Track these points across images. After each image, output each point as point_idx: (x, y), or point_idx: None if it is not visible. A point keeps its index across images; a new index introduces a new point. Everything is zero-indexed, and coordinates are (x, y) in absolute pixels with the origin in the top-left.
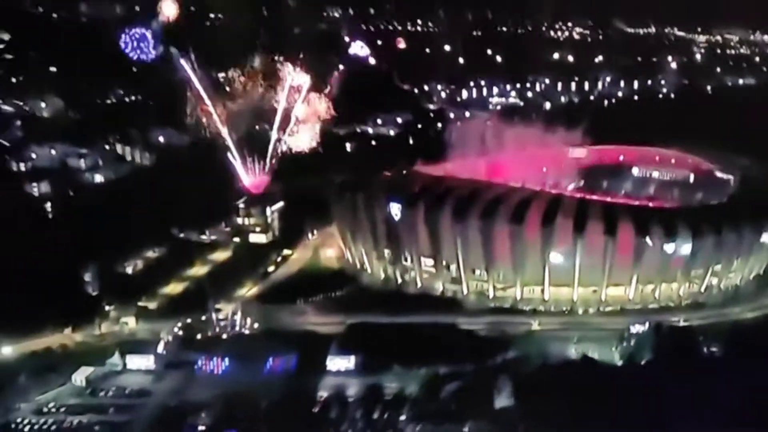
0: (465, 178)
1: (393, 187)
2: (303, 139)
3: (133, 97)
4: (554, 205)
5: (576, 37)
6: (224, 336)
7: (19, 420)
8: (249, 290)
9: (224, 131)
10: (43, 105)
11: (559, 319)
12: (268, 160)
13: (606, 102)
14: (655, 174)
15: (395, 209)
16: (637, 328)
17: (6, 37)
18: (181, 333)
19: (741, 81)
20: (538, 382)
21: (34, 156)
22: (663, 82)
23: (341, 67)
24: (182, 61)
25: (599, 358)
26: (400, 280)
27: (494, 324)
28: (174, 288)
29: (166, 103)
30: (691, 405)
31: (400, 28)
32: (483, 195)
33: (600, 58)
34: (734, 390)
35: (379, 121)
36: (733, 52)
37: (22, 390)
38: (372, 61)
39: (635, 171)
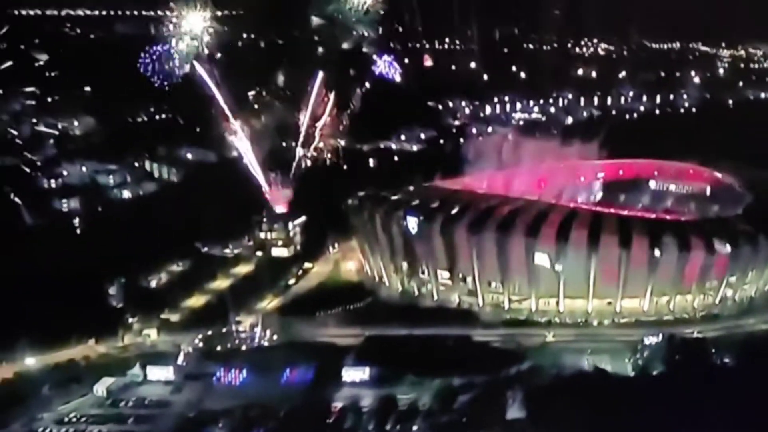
0: (481, 192)
1: (409, 201)
2: (326, 155)
3: (161, 115)
4: (569, 218)
5: (601, 52)
6: (243, 348)
7: (40, 430)
8: (269, 303)
9: (248, 148)
10: (75, 123)
11: (573, 330)
12: (291, 175)
13: (627, 116)
14: (672, 187)
15: (412, 223)
16: (650, 340)
17: (43, 56)
18: (201, 345)
19: (763, 95)
20: (551, 393)
21: (65, 173)
22: (685, 96)
23: (365, 84)
24: (207, 79)
25: (612, 370)
26: (417, 293)
27: (509, 336)
28: (196, 301)
29: (192, 121)
30: (706, 417)
31: (427, 45)
32: (498, 208)
33: (623, 73)
34: (749, 402)
35: (402, 136)
36: (757, 66)
37: (46, 400)
38: (396, 77)
39: (652, 184)
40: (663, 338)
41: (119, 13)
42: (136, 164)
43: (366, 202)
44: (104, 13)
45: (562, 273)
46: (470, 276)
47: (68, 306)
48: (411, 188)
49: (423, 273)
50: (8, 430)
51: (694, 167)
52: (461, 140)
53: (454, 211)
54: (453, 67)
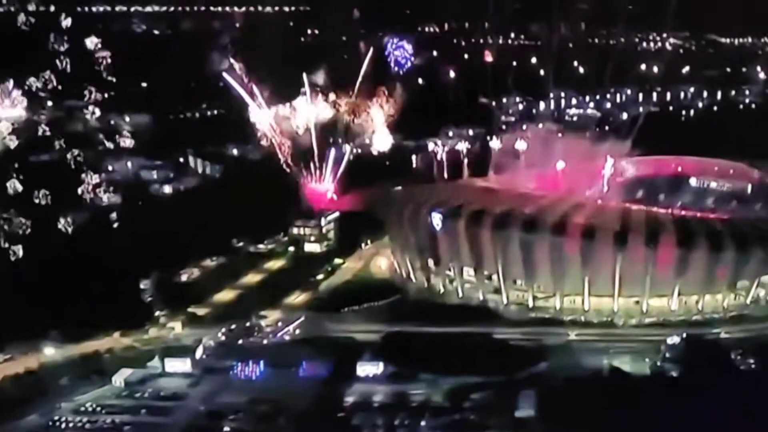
0: (510, 189)
1: (436, 198)
2: (367, 151)
3: (204, 112)
4: (595, 216)
5: (668, 47)
6: (264, 342)
7: (56, 418)
8: (296, 298)
9: (289, 143)
10: (127, 119)
11: (598, 330)
12: (331, 173)
13: (683, 113)
14: (713, 185)
15: (437, 220)
16: (674, 340)
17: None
18: (223, 338)
19: None
20: (564, 393)
21: (110, 168)
22: (747, 92)
23: (405, 81)
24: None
25: (631, 370)
26: (443, 290)
27: (531, 334)
28: (225, 295)
29: (233, 118)
30: (726, 420)
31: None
32: (524, 206)
33: (687, 68)
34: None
35: (450, 133)
36: None
37: (65, 390)
38: (447, 73)
39: (692, 182)
40: (684, 339)
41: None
42: (179, 160)
43: (393, 198)
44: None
45: (586, 271)
46: (495, 274)
47: (99, 299)
48: (439, 185)
49: (449, 270)
50: (27, 419)
51: (736, 165)
52: (495, 138)
53: (478, 209)
54: (508, 63)
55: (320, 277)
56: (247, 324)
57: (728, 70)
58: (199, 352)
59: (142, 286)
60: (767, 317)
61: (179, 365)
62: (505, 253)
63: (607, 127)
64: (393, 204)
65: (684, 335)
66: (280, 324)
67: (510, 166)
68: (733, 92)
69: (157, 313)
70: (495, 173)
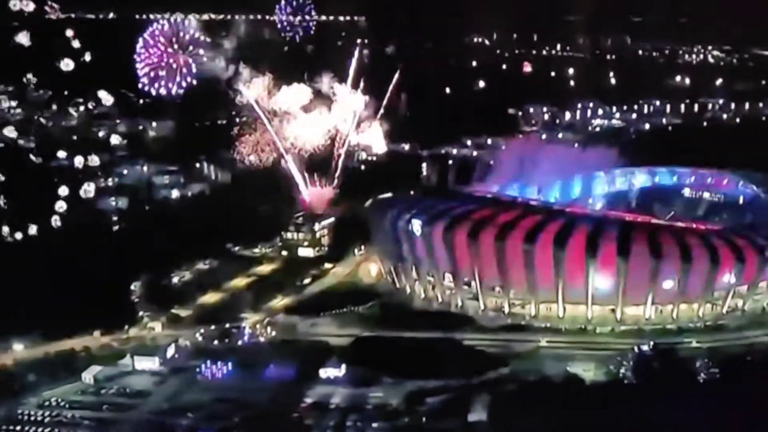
0: (493, 197)
1: (415, 206)
2: (366, 158)
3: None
4: (569, 224)
5: (711, 60)
6: (239, 344)
7: (20, 412)
8: (278, 302)
9: (289, 149)
10: (154, 125)
11: (570, 337)
12: (331, 179)
13: (705, 124)
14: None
15: (416, 227)
16: (637, 349)
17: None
18: (200, 339)
19: None
20: (522, 399)
21: (125, 172)
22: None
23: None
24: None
25: (590, 378)
26: (424, 296)
27: (502, 340)
28: (210, 298)
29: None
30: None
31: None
32: (502, 214)
33: (719, 81)
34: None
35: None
36: None
37: (34, 386)
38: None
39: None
40: (649, 348)
41: None
42: (197, 166)
43: (376, 204)
44: None
45: (559, 279)
46: (473, 280)
47: (87, 298)
48: (422, 192)
49: (430, 276)
50: None
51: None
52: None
53: (456, 216)
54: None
55: (307, 281)
56: (226, 326)
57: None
58: (170, 352)
59: (132, 287)
60: (742, 327)
61: (148, 363)
62: (480, 260)
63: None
64: (376, 211)
65: (651, 344)
66: (256, 327)
67: (497, 174)
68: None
69: (140, 314)
70: (479, 182)
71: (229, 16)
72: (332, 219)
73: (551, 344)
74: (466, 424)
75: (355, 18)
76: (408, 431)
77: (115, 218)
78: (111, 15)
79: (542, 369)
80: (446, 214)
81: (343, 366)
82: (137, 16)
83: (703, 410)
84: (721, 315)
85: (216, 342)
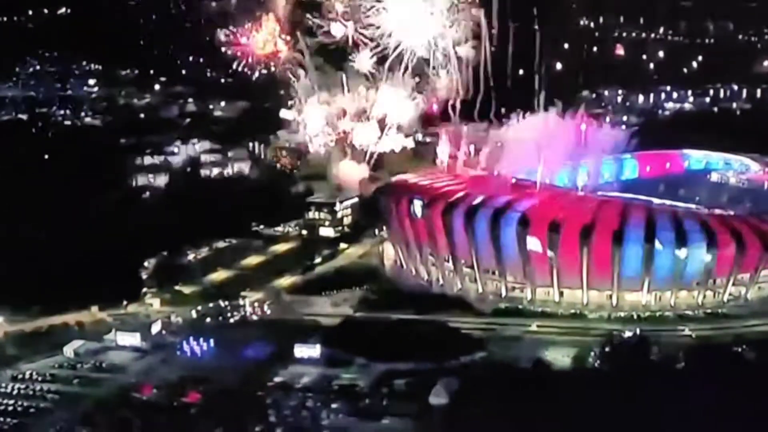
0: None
1: (414, 189)
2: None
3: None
4: (568, 208)
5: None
6: (229, 322)
7: None
8: (285, 280)
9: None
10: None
11: (564, 322)
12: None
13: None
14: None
15: (417, 208)
16: (620, 335)
17: None
18: (194, 316)
19: None
20: (490, 383)
21: (175, 150)
22: None
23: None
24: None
25: (564, 365)
26: (428, 279)
27: (492, 324)
28: (217, 276)
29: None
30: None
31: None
32: (497, 196)
33: None
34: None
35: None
36: None
37: (15, 359)
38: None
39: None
40: (630, 335)
41: None
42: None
43: (384, 187)
44: None
45: (554, 263)
46: (472, 263)
47: (92, 275)
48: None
49: (432, 258)
50: None
51: None
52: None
53: (455, 198)
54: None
55: (317, 261)
56: (223, 304)
57: None
58: (155, 328)
59: (145, 264)
60: (743, 316)
61: (130, 339)
62: (476, 243)
63: None
64: (385, 192)
65: (635, 332)
66: (255, 305)
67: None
68: None
69: (144, 290)
70: (487, 163)
71: None
72: (355, 199)
73: (541, 329)
74: (428, 406)
75: None
76: (370, 412)
77: (147, 194)
78: None
79: (518, 354)
80: (445, 195)
81: (318, 345)
82: None
83: (679, 401)
84: (721, 303)
85: (209, 320)
